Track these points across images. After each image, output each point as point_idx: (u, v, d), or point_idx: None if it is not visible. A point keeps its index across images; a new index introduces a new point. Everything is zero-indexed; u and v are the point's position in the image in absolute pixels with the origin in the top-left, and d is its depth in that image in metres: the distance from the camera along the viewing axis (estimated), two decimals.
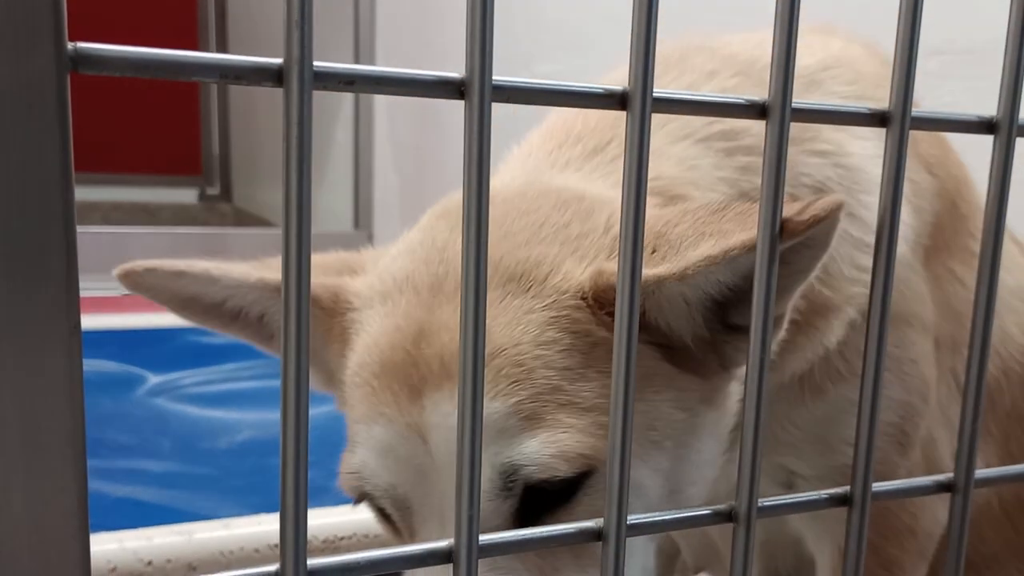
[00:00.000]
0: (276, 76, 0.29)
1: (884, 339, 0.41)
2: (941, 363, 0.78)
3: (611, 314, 0.56)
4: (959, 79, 1.32)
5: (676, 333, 0.59)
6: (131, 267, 0.67)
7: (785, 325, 0.61)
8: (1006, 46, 0.42)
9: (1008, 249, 0.80)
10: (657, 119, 0.68)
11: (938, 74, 1.33)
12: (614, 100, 0.35)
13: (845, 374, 0.71)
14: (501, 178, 0.70)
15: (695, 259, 0.53)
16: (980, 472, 0.48)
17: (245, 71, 0.29)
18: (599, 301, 0.58)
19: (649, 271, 0.54)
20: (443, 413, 0.57)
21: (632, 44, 0.34)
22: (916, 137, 0.69)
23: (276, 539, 0.33)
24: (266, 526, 1.13)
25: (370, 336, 0.63)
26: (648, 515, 0.40)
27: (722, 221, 0.54)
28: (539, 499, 0.58)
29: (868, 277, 0.67)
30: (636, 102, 0.34)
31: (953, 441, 0.80)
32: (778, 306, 0.56)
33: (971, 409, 0.46)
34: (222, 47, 4.22)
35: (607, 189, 0.66)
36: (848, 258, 0.69)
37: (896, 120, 0.40)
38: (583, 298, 0.58)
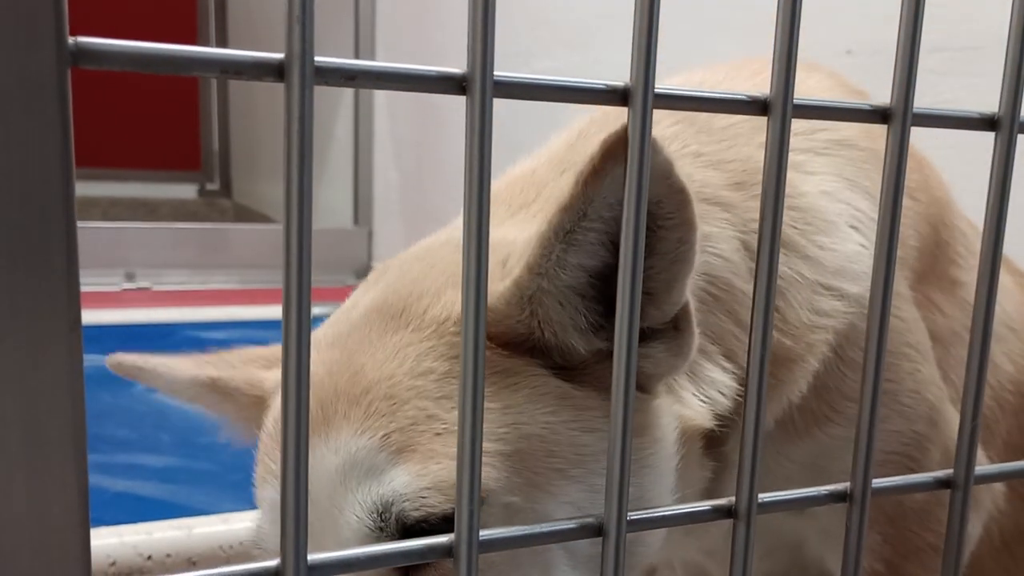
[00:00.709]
0: (277, 71, 0.29)
1: (885, 333, 0.41)
2: None
3: (495, 341, 0.55)
4: (959, 76, 1.32)
5: (569, 346, 0.56)
6: (114, 361, 0.70)
7: (696, 329, 0.57)
8: (1008, 43, 0.42)
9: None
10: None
11: (938, 71, 1.32)
12: (616, 96, 0.35)
13: (830, 415, 0.69)
14: (429, 240, 0.69)
15: (530, 247, 0.51)
16: (980, 468, 0.48)
17: (246, 66, 0.29)
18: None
19: (496, 285, 0.52)
20: (318, 456, 0.54)
21: (634, 41, 0.34)
22: None
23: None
24: None
25: (270, 412, 0.64)
26: (649, 511, 0.41)
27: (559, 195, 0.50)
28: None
29: (829, 322, 0.66)
30: (638, 98, 0.34)
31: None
32: (667, 302, 0.54)
33: (971, 407, 0.46)
34: (222, 42, 4.22)
35: (519, 235, 0.62)
36: (806, 303, 0.66)
37: (898, 116, 0.40)
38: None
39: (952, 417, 0.76)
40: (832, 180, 0.71)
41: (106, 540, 1.04)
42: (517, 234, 0.62)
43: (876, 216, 0.71)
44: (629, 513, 0.38)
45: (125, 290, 3.10)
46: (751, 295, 0.64)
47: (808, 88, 0.76)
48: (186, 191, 4.40)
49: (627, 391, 0.36)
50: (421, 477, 0.51)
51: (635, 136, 0.34)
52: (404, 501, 0.52)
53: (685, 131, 0.70)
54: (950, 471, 0.47)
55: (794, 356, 0.66)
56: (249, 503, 1.29)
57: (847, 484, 0.43)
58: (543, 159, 0.72)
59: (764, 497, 0.41)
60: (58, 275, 0.28)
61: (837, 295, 0.67)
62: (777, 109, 0.38)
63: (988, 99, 0.44)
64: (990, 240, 0.44)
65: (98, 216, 3.70)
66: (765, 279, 0.39)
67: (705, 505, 0.41)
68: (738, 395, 0.63)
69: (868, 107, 0.41)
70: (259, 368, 0.70)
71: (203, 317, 2.50)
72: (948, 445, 0.75)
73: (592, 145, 0.45)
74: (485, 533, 0.35)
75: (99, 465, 1.66)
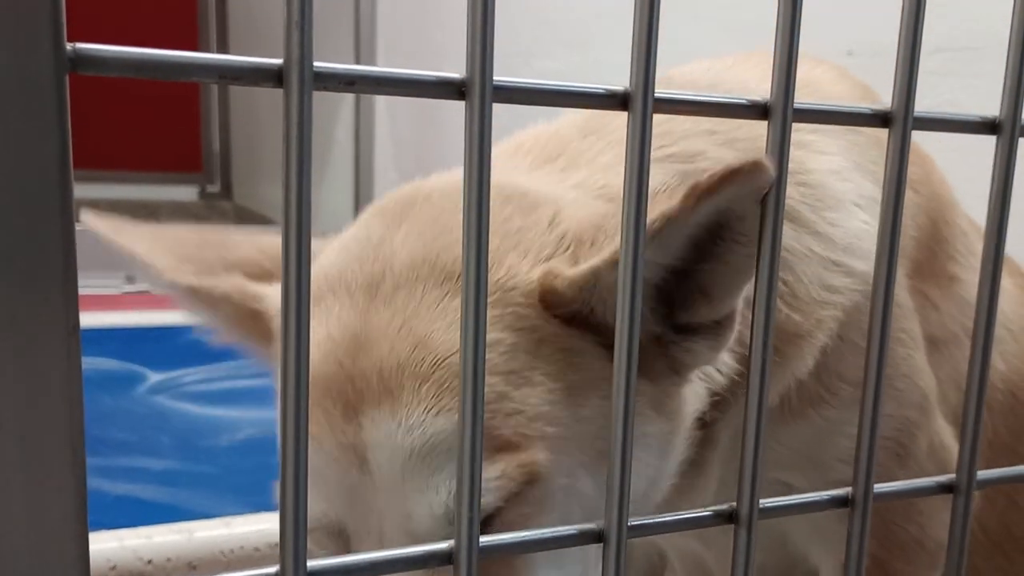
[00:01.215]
0: (276, 77, 0.29)
1: (886, 338, 0.41)
2: None
3: (559, 316, 0.55)
4: (959, 76, 1.32)
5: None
6: (98, 225, 0.65)
7: (736, 327, 0.58)
8: (1009, 45, 0.42)
9: None
10: (614, 142, 0.67)
11: (938, 72, 1.32)
12: (616, 100, 0.35)
13: (826, 397, 0.69)
14: (446, 177, 0.67)
15: (609, 237, 0.51)
16: (982, 473, 0.48)
17: (245, 72, 0.29)
18: (546, 303, 0.55)
19: (584, 265, 0.53)
20: (385, 432, 0.53)
21: (633, 45, 0.33)
22: None
23: (276, 538, 0.33)
24: (266, 525, 1.13)
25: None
26: (648, 517, 0.40)
27: (653, 201, 0.50)
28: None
29: (838, 298, 0.67)
30: (637, 102, 0.34)
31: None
32: (723, 305, 0.55)
33: (973, 411, 0.46)
34: (223, 45, 4.22)
35: (552, 187, 0.63)
36: (816, 279, 0.67)
37: (898, 120, 0.40)
38: (539, 300, 0.55)
39: (937, 412, 0.76)
40: (840, 160, 0.72)
41: (106, 544, 1.04)
42: (550, 189, 0.62)
43: (879, 198, 0.72)
44: (630, 520, 0.37)
45: (125, 293, 3.10)
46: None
47: (815, 79, 0.77)
48: (187, 193, 4.40)
49: (627, 405, 0.36)
50: (502, 463, 0.52)
51: (635, 140, 0.34)
52: (491, 491, 0.52)
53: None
54: (952, 476, 0.46)
55: (803, 332, 0.66)
56: (249, 506, 1.29)
57: (848, 489, 0.43)
58: (564, 122, 0.72)
59: (766, 503, 0.41)
60: (56, 280, 0.28)
61: (846, 271, 0.68)
62: (777, 113, 0.37)
63: (988, 100, 0.44)
64: (991, 244, 0.43)
65: None
66: (765, 291, 0.39)
67: (706, 511, 0.41)
68: (736, 374, 0.63)
69: (869, 111, 0.41)
70: (246, 277, 0.66)
71: None
72: (932, 438, 0.76)
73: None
74: (485, 539, 0.35)
75: (99, 468, 1.66)
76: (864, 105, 0.41)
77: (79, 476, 0.29)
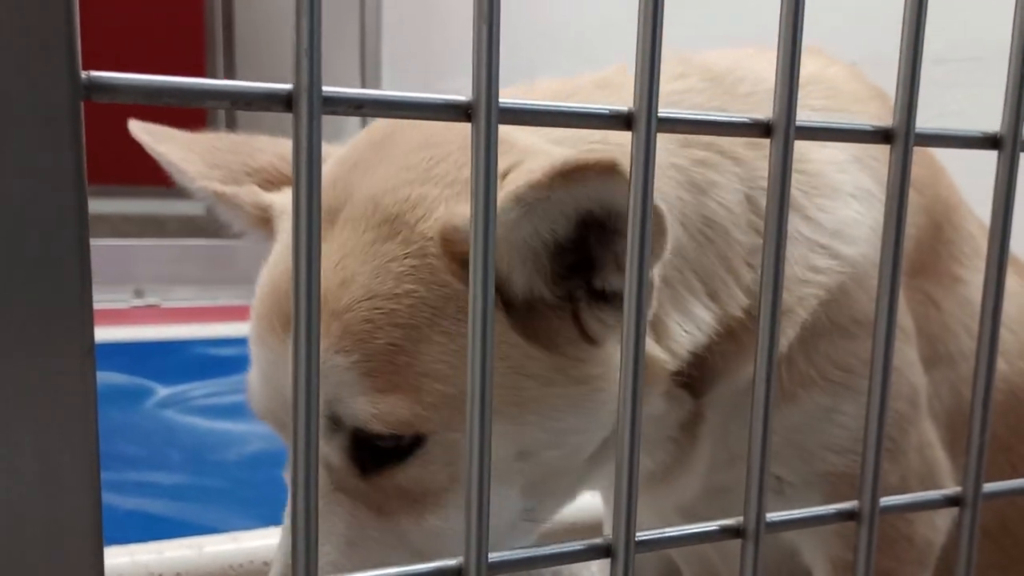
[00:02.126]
0: (286, 102, 0.30)
1: (889, 359, 0.42)
2: None
3: (459, 260, 0.57)
4: (963, 87, 1.32)
5: (522, 290, 0.59)
6: (140, 132, 0.74)
7: (652, 302, 0.60)
8: (1009, 62, 0.42)
9: None
10: (622, 100, 0.70)
11: (942, 83, 1.33)
12: (619, 120, 0.35)
13: (816, 379, 0.71)
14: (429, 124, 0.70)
15: (522, 181, 0.53)
16: (988, 485, 0.48)
17: (255, 98, 0.30)
18: (445, 243, 0.57)
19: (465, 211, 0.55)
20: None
21: (637, 66, 0.34)
22: None
23: None
24: (275, 539, 1.13)
25: (269, 258, 0.67)
26: (657, 531, 0.41)
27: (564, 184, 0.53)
28: (373, 447, 0.60)
29: (821, 278, 0.70)
30: (641, 122, 0.35)
31: (945, 450, 0.80)
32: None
33: (978, 422, 0.46)
34: (229, 69, 4.24)
35: (525, 134, 0.64)
36: (802, 259, 0.69)
37: (900, 137, 0.40)
38: (439, 239, 0.58)
39: (925, 409, 0.77)
40: (840, 153, 0.74)
41: (117, 559, 1.05)
42: (519, 135, 0.63)
43: (876, 191, 0.74)
44: (637, 534, 0.38)
45: (134, 307, 3.12)
46: (746, 247, 0.69)
47: (829, 76, 0.79)
48: (195, 207, 4.41)
49: (633, 427, 0.36)
50: (374, 405, 0.57)
51: (639, 160, 0.35)
52: (356, 422, 0.58)
53: (712, 89, 0.73)
54: (958, 489, 0.47)
55: (784, 308, 0.68)
56: (258, 519, 1.29)
57: (855, 503, 0.43)
58: (585, 77, 0.74)
59: (772, 517, 0.41)
60: (71, 303, 0.28)
61: (831, 254, 0.70)
62: (780, 131, 0.38)
63: (993, 111, 0.44)
64: (994, 258, 0.44)
65: (108, 232, 3.71)
66: (771, 294, 0.39)
67: (713, 525, 0.41)
68: (715, 333, 0.66)
69: (871, 128, 0.41)
70: (265, 182, 0.74)
71: (212, 333, 2.51)
72: (922, 436, 0.76)
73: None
74: (494, 555, 0.35)
75: (110, 483, 1.66)
76: (865, 123, 0.41)
77: (95, 495, 0.29)
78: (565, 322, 0.60)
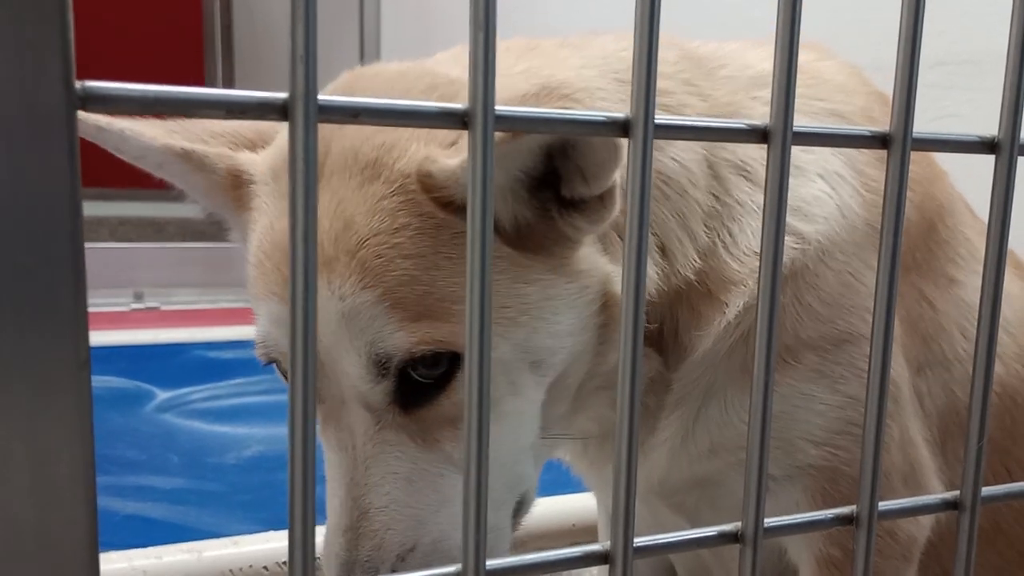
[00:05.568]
0: (281, 111, 0.30)
1: (887, 365, 0.42)
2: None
3: (437, 199, 0.61)
4: (961, 90, 1.32)
5: (507, 220, 0.63)
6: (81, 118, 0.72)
7: (617, 203, 0.63)
8: (1007, 66, 0.42)
9: None
10: (588, 55, 0.73)
11: (940, 85, 1.33)
12: (617, 127, 0.35)
13: (789, 360, 0.72)
14: (399, 65, 0.73)
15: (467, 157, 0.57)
16: (987, 490, 0.48)
17: (250, 106, 0.30)
18: (423, 186, 0.61)
19: (455, 160, 0.59)
20: (323, 297, 0.60)
21: (634, 74, 0.34)
22: None
23: (285, 556, 0.33)
24: (275, 543, 1.13)
25: (266, 216, 0.67)
26: (655, 537, 0.41)
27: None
28: (414, 384, 0.63)
29: None
30: (639, 129, 0.35)
31: (930, 451, 0.80)
32: (597, 184, 0.60)
33: (976, 427, 0.46)
34: (228, 77, 4.24)
35: (499, 71, 0.68)
36: (759, 231, 0.70)
37: (897, 142, 0.40)
38: (417, 182, 0.61)
39: (913, 405, 0.77)
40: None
41: (116, 565, 1.04)
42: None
43: (846, 175, 0.74)
44: (635, 540, 0.38)
45: (134, 310, 3.12)
46: (704, 209, 0.70)
47: (818, 68, 0.80)
48: (193, 210, 4.41)
49: (631, 436, 0.36)
50: (414, 333, 0.60)
51: (636, 167, 0.35)
52: (402, 355, 0.61)
53: (684, 63, 0.75)
54: (956, 493, 0.47)
55: (736, 280, 0.71)
56: (257, 523, 1.29)
57: (853, 508, 0.43)
58: (553, 39, 0.79)
59: (770, 522, 0.41)
60: (66, 315, 0.28)
61: (789, 230, 0.72)
62: (777, 136, 0.38)
63: (990, 114, 0.44)
64: (992, 262, 0.44)
65: (106, 236, 3.71)
66: (769, 302, 0.39)
67: (711, 531, 0.41)
68: (663, 291, 0.70)
69: (868, 133, 0.41)
70: (227, 146, 0.73)
71: (212, 336, 2.51)
72: (903, 432, 0.76)
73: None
74: (492, 563, 0.35)
75: (108, 487, 1.66)
76: (864, 128, 0.41)
77: (90, 505, 0.29)
78: (550, 228, 0.64)
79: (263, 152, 0.71)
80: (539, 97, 0.57)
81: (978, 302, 0.45)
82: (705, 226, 0.71)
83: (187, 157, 0.70)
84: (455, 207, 0.61)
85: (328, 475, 0.66)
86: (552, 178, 0.62)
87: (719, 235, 0.71)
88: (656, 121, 0.35)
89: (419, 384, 0.63)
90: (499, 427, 0.65)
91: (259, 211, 0.68)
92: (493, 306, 0.60)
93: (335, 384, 0.64)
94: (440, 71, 0.70)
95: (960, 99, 1.31)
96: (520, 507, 0.71)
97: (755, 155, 0.73)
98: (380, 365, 0.61)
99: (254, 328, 0.68)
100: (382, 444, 0.64)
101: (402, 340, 0.60)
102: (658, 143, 0.68)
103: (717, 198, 0.71)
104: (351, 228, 0.61)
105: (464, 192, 0.60)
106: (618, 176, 0.62)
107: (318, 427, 0.68)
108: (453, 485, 0.65)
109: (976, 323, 0.44)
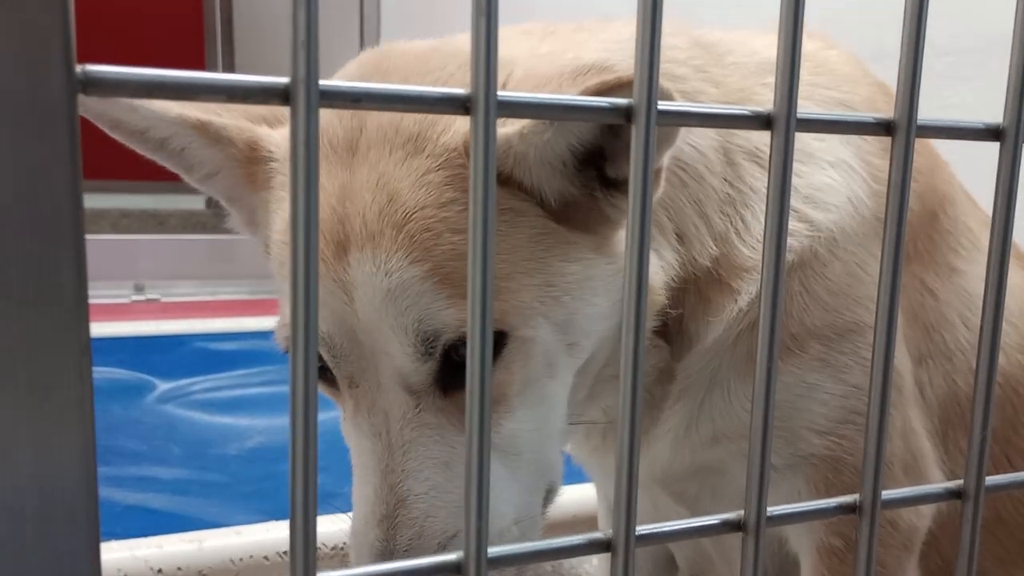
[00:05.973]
0: (283, 95, 0.30)
1: (890, 356, 0.41)
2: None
3: (499, 176, 0.59)
4: (965, 79, 1.32)
5: (555, 195, 0.62)
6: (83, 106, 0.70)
7: (662, 184, 0.64)
8: (1012, 54, 0.42)
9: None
10: (605, 39, 0.72)
11: (945, 74, 1.32)
12: (619, 114, 0.35)
13: (794, 348, 0.72)
14: (423, 42, 0.72)
15: (527, 124, 0.56)
16: (991, 479, 0.48)
17: (252, 91, 0.30)
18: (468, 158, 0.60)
19: (499, 131, 0.57)
20: (366, 273, 0.60)
21: (637, 60, 0.34)
22: None
23: (286, 546, 0.33)
24: (275, 533, 1.13)
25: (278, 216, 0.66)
26: (657, 525, 0.40)
27: (573, 84, 0.56)
28: (455, 365, 0.61)
29: (790, 241, 0.70)
30: (641, 116, 0.34)
31: (931, 440, 0.80)
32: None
33: (980, 416, 0.46)
34: (228, 62, 4.23)
35: (526, 52, 0.68)
36: None
37: (902, 129, 0.40)
38: (463, 153, 0.60)
39: (914, 394, 0.77)
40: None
41: (117, 554, 1.05)
42: (518, 53, 0.67)
43: (855, 164, 0.74)
44: (637, 529, 0.38)
45: (134, 302, 3.12)
46: (720, 195, 0.70)
47: (824, 57, 0.80)
48: (195, 202, 4.41)
49: (633, 421, 0.36)
50: (464, 311, 0.60)
51: (639, 154, 0.34)
52: (449, 331, 0.60)
53: (695, 50, 0.75)
54: (960, 482, 0.46)
55: (748, 267, 0.71)
56: (258, 513, 1.29)
57: (856, 496, 0.43)
58: (571, 22, 0.78)
59: (773, 511, 0.41)
60: (68, 304, 0.28)
61: (800, 217, 0.72)
62: (780, 123, 0.38)
63: (995, 102, 0.44)
64: (997, 251, 0.44)
65: (107, 228, 3.71)
66: (772, 297, 0.39)
67: (714, 519, 0.41)
68: (681, 280, 0.69)
69: (872, 120, 0.41)
70: (246, 120, 0.70)
71: (212, 328, 2.51)
72: (905, 422, 0.76)
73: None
74: (493, 550, 0.35)
75: (110, 478, 1.67)
76: (868, 115, 0.41)
77: (92, 493, 0.29)
78: (592, 206, 0.63)
79: (283, 129, 0.69)
80: (589, 74, 0.56)
81: (980, 292, 0.45)
82: (720, 212, 0.70)
83: (203, 128, 0.67)
84: (501, 181, 0.60)
85: (357, 463, 0.64)
86: (597, 157, 0.61)
87: (732, 222, 0.71)
88: (659, 107, 0.35)
89: (459, 365, 0.61)
90: (536, 411, 0.64)
91: (286, 189, 0.67)
92: (540, 284, 0.62)
93: (372, 366, 0.62)
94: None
95: (964, 89, 1.31)
96: (548, 495, 0.69)
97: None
98: (427, 343, 0.60)
99: (281, 312, 0.66)
100: (421, 428, 0.62)
101: (451, 317, 0.59)
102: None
103: (731, 184, 0.71)
104: (396, 201, 0.60)
105: (511, 166, 0.60)
106: (665, 159, 0.61)
107: (344, 416, 0.67)
108: (491, 470, 0.64)
109: (978, 313, 0.44)
